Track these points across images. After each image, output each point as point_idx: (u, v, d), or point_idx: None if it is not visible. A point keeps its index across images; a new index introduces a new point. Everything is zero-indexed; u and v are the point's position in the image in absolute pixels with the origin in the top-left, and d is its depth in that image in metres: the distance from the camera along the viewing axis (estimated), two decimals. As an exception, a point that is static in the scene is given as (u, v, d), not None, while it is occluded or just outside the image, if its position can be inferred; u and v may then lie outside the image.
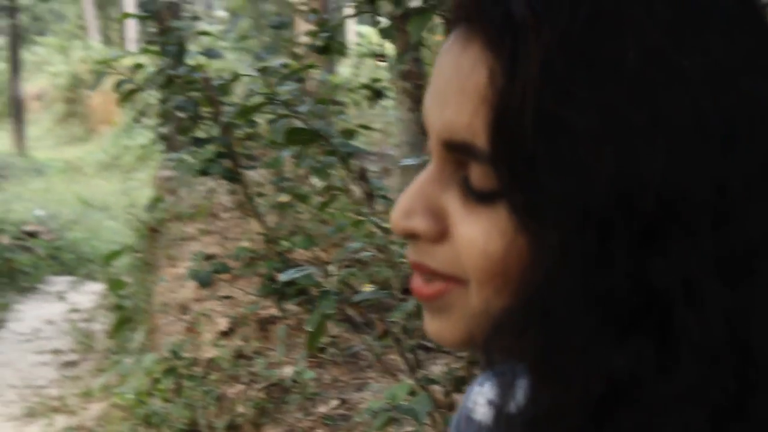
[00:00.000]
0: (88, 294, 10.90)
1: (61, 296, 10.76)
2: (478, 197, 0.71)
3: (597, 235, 0.64)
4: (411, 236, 0.75)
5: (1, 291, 11.19)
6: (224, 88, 5.25)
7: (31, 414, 6.92)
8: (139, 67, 5.40)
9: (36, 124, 27.29)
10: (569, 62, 0.66)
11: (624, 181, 0.64)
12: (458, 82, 0.72)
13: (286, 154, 5.09)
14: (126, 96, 5.30)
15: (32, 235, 13.60)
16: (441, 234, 0.74)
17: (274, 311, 5.07)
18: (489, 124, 0.69)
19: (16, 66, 24.91)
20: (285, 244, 5.03)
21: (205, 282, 4.94)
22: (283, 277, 3.06)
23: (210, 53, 5.48)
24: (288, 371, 4.32)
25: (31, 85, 28.45)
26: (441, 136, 0.73)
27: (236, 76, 5.57)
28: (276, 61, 4.38)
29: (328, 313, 2.96)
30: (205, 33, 6.04)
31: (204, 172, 5.01)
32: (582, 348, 0.65)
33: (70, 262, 12.65)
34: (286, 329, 4.67)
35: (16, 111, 24.55)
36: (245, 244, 5.50)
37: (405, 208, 0.75)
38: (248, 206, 5.27)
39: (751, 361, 0.64)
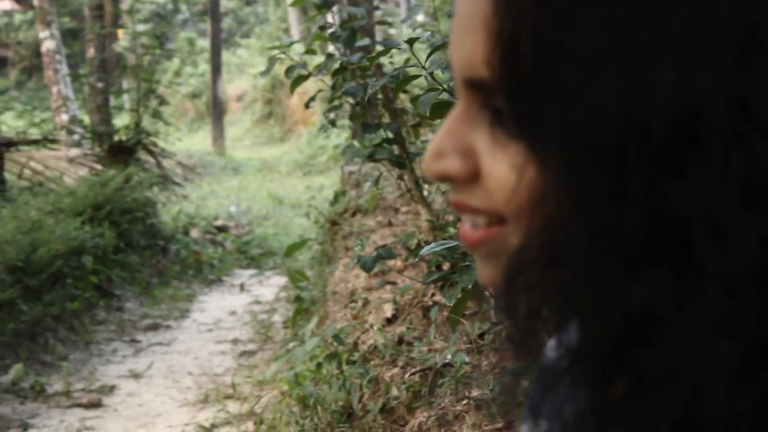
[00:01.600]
0: (272, 287, 11.06)
1: (244, 288, 10.95)
2: (505, 131, 0.70)
3: (608, 165, 0.62)
4: (444, 178, 0.75)
5: (187, 282, 11.46)
6: (397, 78, 5.21)
7: (205, 400, 7.02)
8: (310, 52, 5.42)
9: (236, 124, 28.03)
10: None
11: (631, 104, 0.61)
12: (470, 17, 0.71)
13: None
14: (296, 82, 5.33)
15: (222, 229, 13.92)
16: (473, 173, 0.73)
17: (439, 298, 5.01)
18: (492, 54, 0.68)
19: (218, 68, 25.59)
20: (452, 230, 4.96)
21: (368, 267, 4.90)
22: (423, 251, 2.97)
23: (386, 42, 5.44)
24: (441, 356, 4.24)
25: (233, 86, 29.23)
26: (461, 75, 0.73)
27: (407, 61, 5.54)
28: (425, 34, 4.31)
29: (468, 287, 2.86)
30: (383, 22, 6.01)
31: (371, 158, 4.99)
32: (599, 283, 0.63)
33: (256, 256, 12.88)
34: (440, 312, 4.60)
35: (217, 112, 25.23)
36: (412, 230, 5.45)
37: (435, 150, 0.74)
38: (415, 192, 5.23)
39: None
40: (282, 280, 10.95)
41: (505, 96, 0.68)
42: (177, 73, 29.62)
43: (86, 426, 6.57)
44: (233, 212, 15.65)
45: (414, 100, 5.34)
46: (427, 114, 3.04)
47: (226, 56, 29.30)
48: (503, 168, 0.70)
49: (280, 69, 21.24)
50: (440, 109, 3.11)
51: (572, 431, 0.75)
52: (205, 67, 29.90)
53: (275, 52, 5.24)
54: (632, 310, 0.61)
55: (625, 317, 0.62)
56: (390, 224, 7.06)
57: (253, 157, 23.66)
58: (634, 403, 0.63)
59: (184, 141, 18.38)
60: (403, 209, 7.54)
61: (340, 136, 20.95)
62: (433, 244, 2.94)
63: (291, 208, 16.31)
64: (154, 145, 12.87)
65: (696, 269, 0.60)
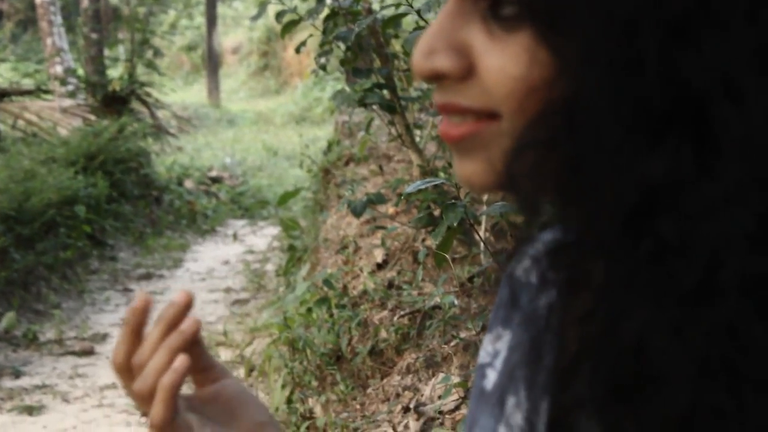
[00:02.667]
0: (265, 236, 11.06)
1: (237, 238, 10.95)
2: (502, 24, 0.68)
3: (623, 36, 0.61)
4: (435, 77, 0.72)
5: (181, 232, 11.46)
6: (387, 20, 5.18)
7: (198, 347, 7.04)
8: (302, -2, 5.38)
9: (231, 77, 27.95)
10: None
11: None
12: None
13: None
14: (286, 27, 5.29)
15: (216, 180, 13.91)
16: (467, 69, 0.71)
17: (430, 243, 5.01)
18: None
19: (213, 20, 25.46)
20: (442, 175, 4.94)
21: (358, 212, 4.89)
22: (408, 189, 2.95)
23: (377, -13, 5.41)
24: (431, 298, 4.25)
25: (228, 39, 29.11)
26: None
27: (398, 6, 5.50)
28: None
29: (453, 225, 2.85)
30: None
31: (362, 102, 4.96)
32: (614, 155, 0.62)
33: (250, 206, 12.88)
34: (430, 256, 4.60)
35: (212, 64, 25.13)
36: (403, 177, 5.44)
37: (426, 48, 0.72)
38: (406, 137, 5.20)
39: None
40: (275, 229, 10.95)
41: None
42: (172, 25, 29.46)
43: (78, 373, 6.59)
44: (228, 163, 15.63)
45: (406, 43, 5.32)
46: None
47: (221, 8, 29.13)
48: (502, 59, 0.68)
49: (275, 21, 21.14)
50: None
51: (533, 322, 0.77)
52: (200, 19, 29.75)
53: (267, -2, 5.20)
54: (652, 178, 0.61)
55: (645, 186, 0.62)
56: (382, 172, 7.05)
57: (249, 109, 23.59)
58: (652, 272, 0.62)
59: (179, 93, 18.37)
60: (396, 157, 7.52)
61: (335, 87, 20.89)
62: (419, 182, 2.92)
63: (285, 160, 16.28)
64: (148, 95, 12.84)
65: (714, 133, 0.60)
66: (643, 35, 0.61)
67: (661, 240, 0.62)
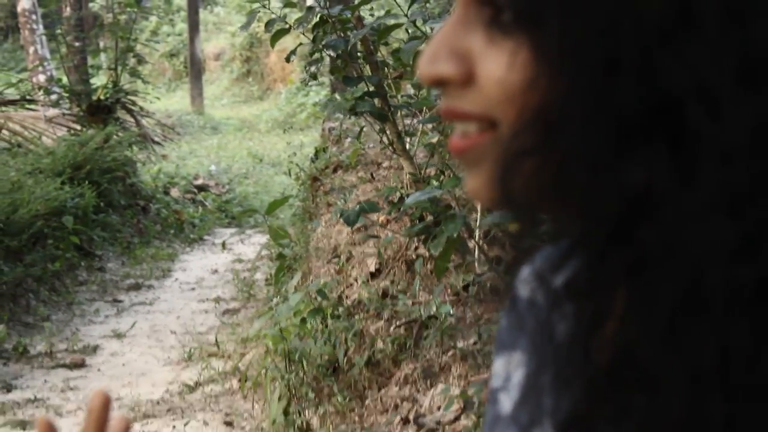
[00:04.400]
0: (253, 245, 11.04)
1: (226, 247, 10.95)
2: (501, 30, 0.69)
3: (602, 38, 0.62)
4: (439, 83, 0.73)
5: (168, 242, 11.43)
6: (378, 30, 5.17)
7: (189, 358, 7.01)
8: (290, 6, 5.36)
9: (214, 83, 27.90)
10: None
11: None
12: None
13: (437, 92, 4.99)
14: (276, 36, 5.27)
15: (202, 188, 13.88)
16: (468, 75, 0.72)
17: (423, 251, 5.00)
18: None
19: (195, 26, 25.42)
20: (434, 183, 4.93)
21: (351, 221, 4.88)
22: (408, 201, 2.94)
23: (364, -6, 5.40)
24: (426, 308, 4.24)
25: (211, 45, 29.06)
26: None
27: (388, 12, 5.49)
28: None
29: (452, 236, 2.83)
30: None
31: (353, 111, 4.95)
32: (594, 162, 0.63)
33: (238, 214, 12.86)
34: (426, 265, 4.59)
35: (195, 70, 25.08)
36: (394, 184, 5.43)
37: (431, 54, 0.73)
38: (397, 145, 5.19)
39: None
40: (263, 237, 10.93)
41: None
42: (154, 32, 29.41)
43: (70, 386, 6.56)
44: (213, 171, 15.60)
45: (395, 52, 5.31)
46: (410, 62, 3.00)
47: (203, 14, 29.07)
48: (496, 64, 0.69)
49: (258, 27, 21.08)
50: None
51: (555, 351, 0.76)
52: (182, 26, 29.69)
53: (255, 5, 5.18)
54: (631, 187, 0.62)
55: (624, 194, 0.62)
56: (372, 179, 7.04)
57: (232, 115, 23.56)
58: (636, 282, 0.63)
59: (162, 100, 18.26)
60: (385, 164, 7.51)
61: (320, 94, 20.88)
62: (417, 193, 2.91)
63: (271, 166, 16.27)
64: (133, 104, 12.79)
65: (691, 142, 0.60)
66: (622, 38, 0.61)
67: (643, 250, 0.62)
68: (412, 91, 5.83)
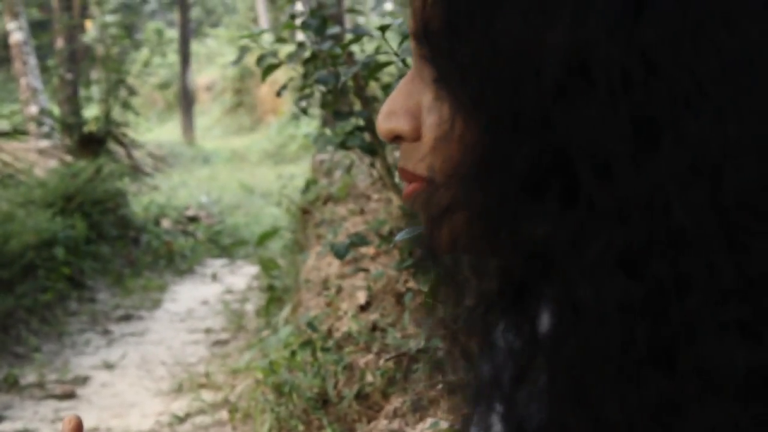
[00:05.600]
0: (244, 276, 11.05)
1: (216, 278, 10.95)
2: (438, 86, 0.71)
3: (505, 96, 0.63)
4: (394, 138, 0.76)
5: (159, 272, 11.43)
6: (369, 66, 5.23)
7: (179, 389, 7.02)
8: (281, 41, 5.42)
9: (205, 114, 27.94)
10: None
11: (528, 39, 0.62)
12: None
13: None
14: (267, 70, 5.33)
15: (193, 219, 13.90)
16: (418, 131, 0.74)
17: (412, 284, 5.03)
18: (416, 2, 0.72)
19: (186, 58, 25.50)
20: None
21: (341, 254, 4.91)
22: (398, 237, 2.98)
23: (357, 30, 5.45)
24: (415, 342, 4.26)
25: (202, 76, 29.13)
26: (410, 30, 0.75)
27: (377, 49, 5.55)
28: (396, 21, 4.33)
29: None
30: (352, 10, 6.01)
31: (343, 145, 5.00)
32: (499, 216, 0.65)
33: (228, 246, 12.87)
34: (415, 299, 4.62)
35: (186, 102, 25.14)
36: (383, 217, 5.47)
37: (387, 110, 0.75)
38: (387, 179, 5.25)
39: (666, 224, 0.59)
40: (253, 269, 10.94)
41: (421, 38, 0.71)
42: (146, 64, 29.48)
43: (60, 417, 6.56)
44: (204, 202, 15.62)
45: (386, 87, 5.37)
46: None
47: (194, 46, 29.20)
48: (433, 119, 0.71)
49: (249, 59, 21.11)
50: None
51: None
52: (173, 57, 29.79)
53: (246, 41, 5.24)
54: (529, 243, 0.63)
55: (524, 250, 0.64)
56: (362, 212, 7.07)
57: (223, 146, 23.59)
58: (554, 339, 0.64)
59: (153, 131, 18.33)
60: (375, 197, 7.54)
61: (310, 125, 20.90)
62: (406, 230, 2.95)
63: (262, 198, 16.28)
64: (124, 135, 12.84)
65: (583, 203, 0.61)
66: (522, 93, 0.62)
67: (553, 306, 0.64)
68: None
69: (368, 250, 5.75)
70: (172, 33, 31.31)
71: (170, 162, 20.27)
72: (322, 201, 8.21)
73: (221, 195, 16.73)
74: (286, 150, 21.46)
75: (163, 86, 30.10)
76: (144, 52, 29.84)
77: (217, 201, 15.94)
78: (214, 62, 29.89)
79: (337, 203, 7.84)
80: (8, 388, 7.14)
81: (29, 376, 7.38)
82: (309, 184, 9.05)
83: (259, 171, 19.77)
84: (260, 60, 5.30)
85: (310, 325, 5.01)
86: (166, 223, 13.21)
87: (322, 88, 5.18)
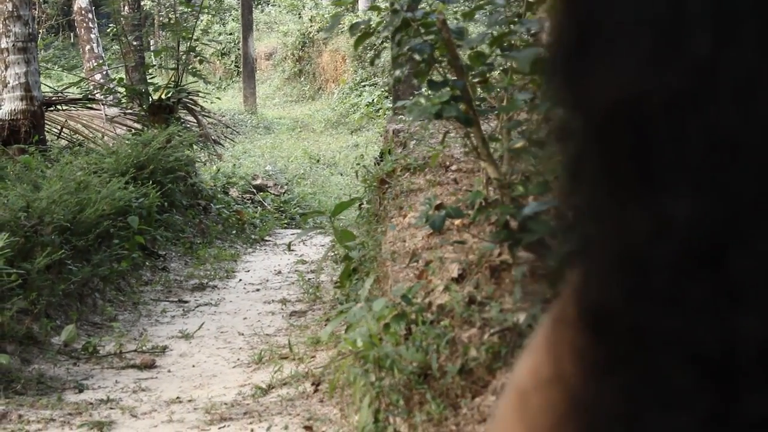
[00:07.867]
0: (315, 246, 11.02)
1: (288, 248, 10.91)
2: None
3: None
4: None
5: (230, 242, 11.43)
6: (461, 31, 5.14)
7: (259, 361, 6.97)
8: (375, 9, 5.33)
9: (265, 82, 27.93)
10: None
11: None
12: None
13: (523, 98, 4.94)
14: (360, 38, 5.24)
15: (261, 189, 13.87)
16: None
17: (506, 257, 4.93)
18: None
19: (248, 26, 25.45)
20: (520, 189, 4.87)
21: (438, 226, 4.83)
22: (526, 210, 2.88)
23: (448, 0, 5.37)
24: (523, 317, 4.16)
25: (262, 44, 29.12)
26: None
27: (471, 13, 5.44)
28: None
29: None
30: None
31: (438, 115, 4.90)
32: None
33: (300, 215, 12.84)
34: (504, 269, 4.54)
35: (248, 70, 25.11)
36: (479, 189, 5.37)
37: None
38: (483, 150, 5.13)
39: None
40: (325, 239, 10.90)
41: None
42: (205, 31, 29.52)
43: (141, 387, 6.55)
44: (270, 171, 15.59)
45: (477, 57, 5.25)
46: (527, 69, 2.95)
47: (254, 14, 29.16)
48: None
49: (311, 26, 21.12)
50: (540, 65, 3.02)
51: None
52: (233, 24, 29.79)
53: (340, 8, 5.15)
54: None
55: None
56: (456, 182, 6.99)
57: (285, 115, 23.59)
58: None
59: (214, 100, 18.32)
60: (453, 167, 7.46)
61: (373, 94, 20.85)
62: (534, 204, 2.86)
63: (327, 167, 16.24)
64: (194, 103, 12.80)
65: None
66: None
67: None
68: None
69: (457, 222, 5.66)
70: (232, 0, 31.30)
71: (235, 130, 20.30)
72: (399, 170, 8.12)
73: (286, 164, 16.71)
74: (349, 119, 21.39)
75: (223, 54, 30.14)
76: (204, 20, 29.88)
77: (283, 170, 15.91)
78: (274, 30, 29.86)
79: (414, 174, 7.75)
80: (88, 357, 7.13)
81: (108, 346, 7.37)
82: (384, 154, 8.96)
83: (323, 140, 19.73)
84: (353, 28, 5.21)
85: (405, 297, 4.92)
86: (234, 192, 13.19)
87: (417, 57, 5.08)
